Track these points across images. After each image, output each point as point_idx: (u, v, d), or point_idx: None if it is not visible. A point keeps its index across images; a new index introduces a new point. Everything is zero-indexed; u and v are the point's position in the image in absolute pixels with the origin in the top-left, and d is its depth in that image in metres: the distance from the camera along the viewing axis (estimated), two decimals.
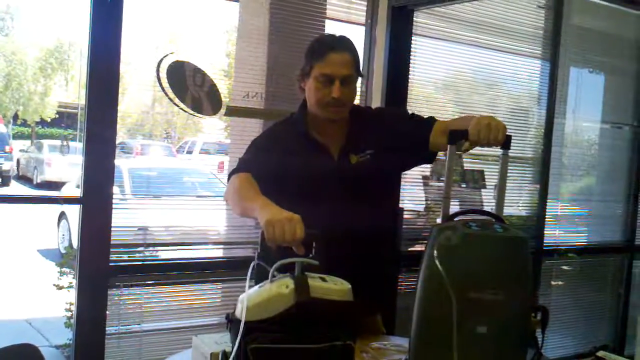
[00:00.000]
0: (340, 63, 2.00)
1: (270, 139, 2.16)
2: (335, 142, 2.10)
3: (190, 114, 3.07)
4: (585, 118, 4.75)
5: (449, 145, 1.67)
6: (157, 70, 2.94)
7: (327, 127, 2.10)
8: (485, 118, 1.77)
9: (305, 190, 1.97)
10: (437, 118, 2.19)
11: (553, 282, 4.61)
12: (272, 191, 1.84)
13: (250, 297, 1.41)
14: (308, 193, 1.94)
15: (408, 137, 2.13)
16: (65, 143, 14.69)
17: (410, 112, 2.33)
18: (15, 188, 14.10)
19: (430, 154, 2.16)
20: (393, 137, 2.13)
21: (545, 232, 4.36)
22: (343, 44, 2.05)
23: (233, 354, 1.40)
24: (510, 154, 1.72)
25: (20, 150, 16.70)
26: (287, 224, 1.54)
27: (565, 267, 4.66)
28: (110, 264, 2.88)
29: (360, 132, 2.12)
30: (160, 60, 2.95)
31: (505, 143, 1.70)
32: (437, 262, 1.45)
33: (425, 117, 2.23)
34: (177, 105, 3.01)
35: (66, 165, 12.81)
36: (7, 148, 15.13)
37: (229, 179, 2.05)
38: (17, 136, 20.07)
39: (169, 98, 2.97)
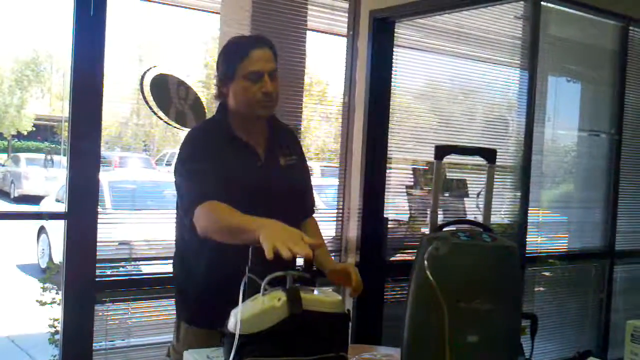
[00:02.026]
0: (265, 58, 2.02)
1: (207, 145, 2.06)
2: (260, 142, 2.10)
3: (175, 127, 3.07)
4: (563, 126, 4.81)
5: (435, 161, 1.68)
6: (141, 84, 2.93)
7: (251, 127, 2.09)
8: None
9: (233, 192, 1.89)
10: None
11: (536, 289, 4.65)
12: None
13: (243, 310, 1.41)
14: (235, 196, 1.87)
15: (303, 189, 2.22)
16: (49, 157, 14.53)
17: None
18: None
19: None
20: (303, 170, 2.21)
21: (527, 239, 4.41)
22: (262, 40, 2.07)
23: None
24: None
25: None
26: (289, 241, 1.52)
27: (547, 274, 4.70)
28: (97, 279, 2.87)
29: (281, 135, 2.17)
30: (144, 74, 2.95)
31: (490, 157, 1.72)
32: (427, 272, 1.46)
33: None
34: (161, 119, 3.01)
35: (44, 179, 12.68)
36: None
37: (191, 213, 1.90)
38: None
39: (153, 111, 2.97)
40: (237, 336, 1.38)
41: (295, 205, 2.09)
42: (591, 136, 4.98)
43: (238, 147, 2.07)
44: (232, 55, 2.05)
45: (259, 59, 2.00)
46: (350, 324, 1.53)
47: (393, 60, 3.67)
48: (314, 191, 2.31)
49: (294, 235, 1.58)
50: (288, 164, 2.12)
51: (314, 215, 2.28)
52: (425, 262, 1.48)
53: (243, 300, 1.45)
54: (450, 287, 1.46)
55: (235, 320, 1.41)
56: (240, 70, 2.00)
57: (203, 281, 2.08)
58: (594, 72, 4.95)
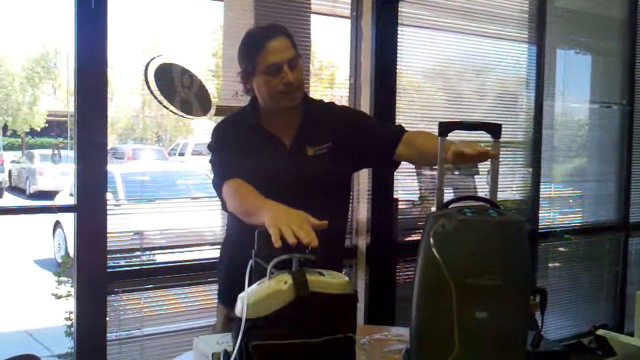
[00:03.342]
0: (281, 48, 1.99)
1: (227, 135, 2.12)
2: (288, 132, 2.08)
3: (180, 115, 3.07)
4: (574, 99, 4.77)
5: (439, 137, 1.66)
6: (145, 74, 2.93)
7: (280, 117, 2.08)
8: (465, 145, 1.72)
9: (257, 182, 1.91)
10: (406, 128, 2.14)
11: (550, 264, 4.63)
12: None
13: (250, 294, 1.41)
14: (260, 185, 1.89)
15: (372, 140, 2.10)
16: (56, 152, 14.60)
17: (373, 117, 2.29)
18: (9, 199, 14.02)
19: (393, 162, 2.14)
20: (355, 135, 2.10)
21: (539, 214, 4.39)
22: (275, 30, 2.03)
23: (235, 352, 1.40)
24: (501, 139, 1.72)
25: (12, 162, 16.60)
26: (294, 225, 1.52)
27: (561, 249, 4.68)
28: (108, 270, 2.88)
29: (315, 123, 2.10)
30: (148, 63, 2.94)
31: (495, 132, 1.69)
32: (433, 249, 1.45)
33: (394, 125, 2.22)
34: (166, 108, 3.00)
35: (58, 174, 12.75)
36: None
37: (218, 190, 2.02)
38: (7, 147, 19.96)
39: (158, 101, 2.97)
40: (243, 320, 1.38)
41: (324, 195, 2.02)
42: (602, 108, 4.94)
43: (263, 138, 2.07)
44: (248, 51, 2.03)
45: (274, 51, 1.98)
46: (357, 305, 1.53)
47: (398, 40, 3.64)
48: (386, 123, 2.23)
49: (299, 219, 1.57)
50: (317, 154, 2.07)
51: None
52: (431, 240, 1.47)
53: (249, 285, 1.45)
54: (457, 264, 1.45)
55: (242, 305, 1.41)
56: (259, 65, 1.99)
57: (228, 262, 2.20)
58: (604, 43, 4.89)
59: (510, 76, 4.35)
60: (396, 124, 2.21)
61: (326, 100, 2.27)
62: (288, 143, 2.07)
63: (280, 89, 1.99)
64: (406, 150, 2.05)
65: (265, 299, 1.41)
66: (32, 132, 20.83)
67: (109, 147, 2.93)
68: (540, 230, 4.40)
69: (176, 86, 3.01)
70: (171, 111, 3.02)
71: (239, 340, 1.38)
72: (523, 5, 4.26)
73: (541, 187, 4.37)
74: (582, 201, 4.94)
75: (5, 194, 14.58)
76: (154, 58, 2.97)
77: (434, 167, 1.75)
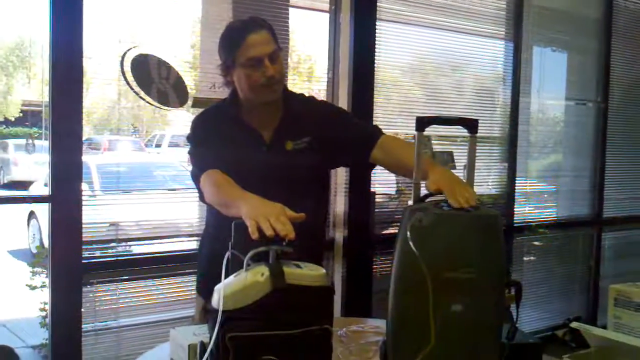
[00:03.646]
0: (262, 42, 1.97)
1: (206, 126, 2.12)
2: (268, 126, 2.07)
3: (157, 106, 3.05)
4: (549, 96, 4.82)
5: (416, 132, 1.67)
6: (121, 64, 2.91)
7: (260, 111, 2.07)
8: (451, 177, 1.69)
9: (236, 175, 1.91)
10: (382, 131, 2.12)
11: (525, 258, 4.68)
12: None
13: (226, 286, 1.41)
14: (238, 178, 1.89)
15: (349, 138, 2.09)
16: (30, 142, 14.42)
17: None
18: None
19: (368, 163, 2.12)
20: (333, 130, 2.09)
21: (515, 209, 4.43)
22: (257, 23, 2.02)
23: (211, 344, 1.40)
24: (478, 134, 1.73)
25: None
26: (271, 217, 1.52)
27: (536, 243, 4.74)
28: (83, 261, 2.86)
29: (295, 117, 2.09)
30: (124, 54, 2.92)
31: (472, 127, 1.70)
32: (410, 243, 1.46)
33: (369, 126, 2.22)
34: (143, 99, 2.98)
35: (33, 164, 12.60)
36: None
37: (196, 181, 2.01)
38: None
39: (134, 92, 2.95)
40: (220, 312, 1.38)
41: (303, 189, 2.01)
42: (578, 105, 5.00)
43: (242, 131, 2.06)
44: (228, 44, 2.01)
45: (255, 44, 1.96)
46: (334, 297, 1.54)
47: (377, 34, 3.65)
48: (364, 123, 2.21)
49: (276, 211, 1.57)
50: (296, 148, 2.06)
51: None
52: (409, 234, 1.48)
53: (226, 276, 1.45)
54: (434, 257, 1.46)
55: (218, 296, 1.41)
56: (239, 57, 1.97)
57: (206, 253, 2.20)
58: (579, 40, 4.95)
59: (487, 72, 4.39)
60: (374, 124, 2.19)
61: (306, 95, 2.26)
62: (268, 137, 2.07)
63: (262, 82, 1.97)
64: (381, 155, 2.04)
65: (242, 291, 1.41)
66: (6, 122, 20.53)
67: (84, 138, 2.91)
68: (515, 225, 4.45)
69: (153, 77, 2.99)
70: (148, 102, 3.00)
71: (215, 332, 1.38)
72: (500, 2, 4.29)
73: (517, 182, 4.42)
74: (557, 196, 5.00)
75: None
76: (130, 49, 2.95)
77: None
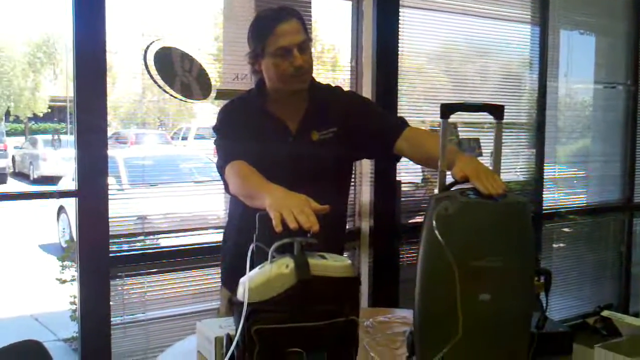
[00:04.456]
0: (292, 31, 1.95)
1: (232, 117, 2.11)
2: (294, 116, 2.06)
3: (180, 99, 3.05)
4: (578, 80, 4.74)
5: (441, 120, 1.64)
6: (144, 58, 2.91)
7: (286, 101, 2.06)
8: (477, 165, 1.63)
9: (261, 165, 1.90)
10: (408, 122, 2.10)
11: (555, 245, 4.63)
12: None
13: (251, 278, 1.40)
14: (264, 169, 1.87)
15: (374, 129, 2.07)
16: (56, 137, 14.60)
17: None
18: (12, 185, 14.06)
19: (393, 155, 2.09)
20: (359, 120, 2.07)
21: (544, 195, 4.38)
22: (287, 12, 2.00)
23: (237, 336, 1.39)
24: (504, 120, 1.70)
25: (15, 147, 16.62)
26: (295, 209, 1.51)
27: (566, 230, 4.68)
28: (111, 255, 2.89)
29: (321, 107, 2.08)
30: (147, 48, 2.92)
31: (498, 113, 1.67)
32: (436, 232, 1.44)
33: (395, 117, 2.19)
34: (167, 92, 2.99)
35: (61, 159, 12.77)
36: (1, 145, 15.06)
37: (222, 172, 2.01)
38: (10, 133, 19.95)
39: (158, 85, 2.95)
40: (245, 304, 1.37)
41: (328, 180, 2.02)
42: (607, 89, 4.91)
43: (268, 122, 2.06)
44: (258, 33, 2.00)
45: (285, 34, 1.94)
46: (360, 287, 1.52)
47: (400, 22, 3.61)
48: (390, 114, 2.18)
49: (300, 203, 1.56)
50: (322, 138, 2.05)
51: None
52: (434, 223, 1.46)
53: (251, 269, 1.44)
54: (460, 246, 1.44)
55: (243, 289, 1.40)
56: (268, 47, 1.96)
57: (230, 246, 2.20)
58: (608, 23, 4.85)
59: (514, 57, 4.33)
60: (399, 116, 2.16)
61: (332, 85, 2.25)
62: (294, 127, 2.06)
63: (290, 72, 1.96)
64: (406, 146, 2.01)
65: (266, 283, 1.40)
66: (35, 118, 20.84)
67: (111, 132, 2.92)
68: (544, 211, 4.40)
69: (176, 70, 2.99)
70: (171, 95, 3.00)
71: (241, 325, 1.37)
72: None
73: (545, 168, 4.36)
74: (587, 182, 4.93)
75: (9, 179, 14.62)
76: (152, 42, 2.95)
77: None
